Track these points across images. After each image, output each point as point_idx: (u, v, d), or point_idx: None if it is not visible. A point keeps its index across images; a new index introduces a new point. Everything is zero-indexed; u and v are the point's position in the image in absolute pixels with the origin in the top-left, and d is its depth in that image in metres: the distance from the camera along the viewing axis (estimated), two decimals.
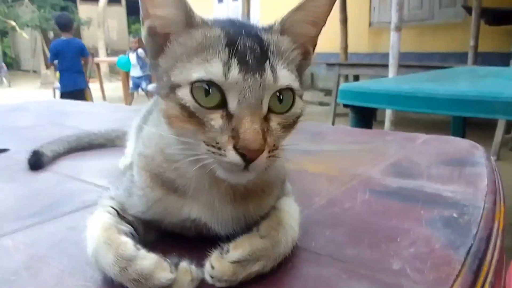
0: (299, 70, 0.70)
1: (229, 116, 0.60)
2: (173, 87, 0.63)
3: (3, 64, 17.06)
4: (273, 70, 0.61)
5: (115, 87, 12.75)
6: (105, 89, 11.30)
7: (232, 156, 0.59)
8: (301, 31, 0.68)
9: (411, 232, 0.78)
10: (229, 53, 0.60)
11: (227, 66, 0.59)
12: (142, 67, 9.31)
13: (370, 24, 10.55)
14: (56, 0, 19.42)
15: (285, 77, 0.62)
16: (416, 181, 1.06)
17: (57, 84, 8.64)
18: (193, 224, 0.72)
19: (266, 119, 0.62)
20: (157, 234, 0.77)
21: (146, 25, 0.67)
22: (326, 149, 1.44)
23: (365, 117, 3.01)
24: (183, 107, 0.61)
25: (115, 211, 0.75)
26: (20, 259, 0.75)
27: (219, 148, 0.60)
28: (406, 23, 7.44)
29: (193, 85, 0.60)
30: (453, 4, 9.13)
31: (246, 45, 0.61)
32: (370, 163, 1.22)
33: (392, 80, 4.28)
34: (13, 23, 19.12)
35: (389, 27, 5.51)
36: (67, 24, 6.62)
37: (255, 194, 0.73)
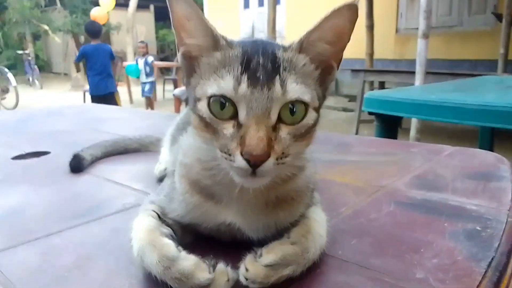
0: (322, 84, 0.74)
1: (239, 126, 0.66)
2: (196, 101, 0.70)
3: (36, 67, 17.67)
4: (283, 84, 0.66)
5: None
6: (133, 92, 11.60)
7: (239, 161, 0.65)
8: (319, 50, 0.72)
9: (434, 244, 0.82)
10: (242, 70, 0.67)
11: (237, 81, 0.66)
12: (148, 74, 9.45)
13: (396, 31, 10.46)
14: (88, 6, 20.00)
15: (295, 90, 0.67)
16: (441, 194, 1.09)
17: (87, 87, 8.94)
18: (228, 228, 0.78)
19: (275, 128, 0.67)
20: (193, 237, 0.84)
21: (180, 50, 0.74)
22: (351, 160, 1.47)
23: (390, 125, 3.00)
24: (201, 118, 0.69)
25: (157, 215, 0.81)
26: (70, 258, 0.82)
27: (230, 154, 0.66)
28: (434, 30, 7.36)
29: (210, 99, 0.68)
30: (483, 11, 8.97)
31: (259, 63, 0.67)
32: (395, 175, 1.25)
33: (418, 88, 4.25)
34: (46, 27, 19.83)
35: (416, 34, 5.47)
36: (96, 31, 6.99)
37: (285, 202, 0.78)
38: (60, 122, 2.44)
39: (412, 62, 5.88)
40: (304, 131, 0.70)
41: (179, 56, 0.75)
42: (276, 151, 0.66)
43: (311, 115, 0.70)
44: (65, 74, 20.71)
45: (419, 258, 0.77)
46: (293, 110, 0.68)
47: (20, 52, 18.84)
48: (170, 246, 0.70)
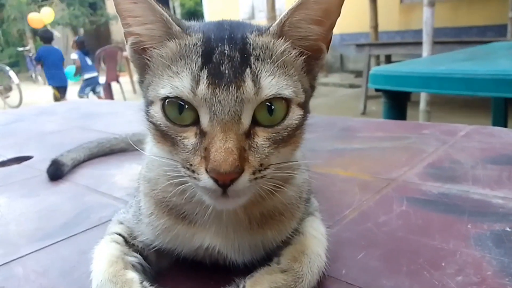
0: (309, 71, 0.60)
1: (202, 134, 0.53)
2: (148, 104, 0.57)
3: (36, 62, 17.57)
4: (255, 79, 0.52)
5: None
6: (135, 82, 11.47)
7: (205, 180, 0.52)
8: (303, 33, 0.58)
9: (457, 254, 0.68)
10: (201, 64, 0.53)
11: (195, 79, 0.52)
12: (86, 69, 8.85)
13: (401, 1, 10.11)
14: None
15: (272, 85, 0.53)
16: (460, 186, 0.94)
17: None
18: (207, 253, 0.65)
19: (249, 134, 0.54)
20: (171, 261, 0.71)
21: (128, 42, 0.60)
22: (356, 148, 1.33)
23: (399, 101, 2.85)
24: (156, 126, 0.56)
25: (123, 239, 0.69)
26: None
27: (193, 171, 0.53)
28: None
29: (164, 101, 0.54)
30: None
31: (224, 53, 0.53)
32: (407, 164, 1.10)
33: (426, 60, 4.05)
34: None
35: (421, 2, 5.23)
36: (48, 37, 8.69)
37: (273, 219, 0.65)
38: (50, 122, 2.34)
39: (419, 32, 5.65)
40: (287, 135, 0.56)
41: (127, 48, 0.61)
42: (251, 163, 0.52)
43: (295, 113, 0.56)
44: None
45: (440, 276, 0.63)
46: (271, 108, 0.54)
47: (20, 49, 18.75)
48: (133, 282, 0.58)
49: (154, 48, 0.58)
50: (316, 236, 0.66)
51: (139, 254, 0.68)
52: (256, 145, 0.54)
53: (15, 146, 1.78)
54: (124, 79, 10.28)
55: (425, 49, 5.26)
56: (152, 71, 0.58)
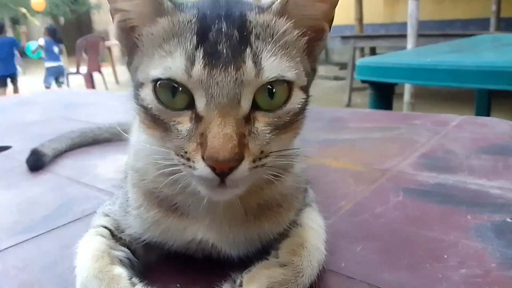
0: (310, 53, 0.57)
1: (198, 118, 0.49)
2: (138, 87, 0.53)
3: (17, 53, 17.14)
4: (256, 60, 0.48)
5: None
6: (118, 73, 11.25)
7: (201, 168, 0.48)
8: (308, 11, 0.55)
9: (459, 246, 0.66)
10: (197, 42, 0.49)
11: (190, 60, 0.48)
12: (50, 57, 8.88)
13: None
14: None
15: (274, 66, 0.49)
16: (456, 176, 0.93)
17: (70, 70, 8.61)
18: (200, 246, 0.61)
19: (248, 119, 0.50)
20: (160, 254, 0.67)
21: (115, 20, 0.55)
22: (347, 138, 1.30)
23: (384, 93, 2.86)
24: (146, 110, 0.51)
25: (109, 232, 0.64)
26: (10, 287, 0.66)
27: (188, 159, 0.49)
28: None
29: (156, 83, 0.50)
30: None
31: (221, 31, 0.49)
32: (400, 155, 1.08)
33: (412, 52, 4.07)
34: (24, 11, 19.10)
35: None
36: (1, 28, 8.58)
37: (270, 210, 0.61)
38: (31, 112, 2.26)
39: (403, 25, 5.67)
40: (289, 120, 0.52)
41: (114, 27, 0.56)
42: (251, 151, 0.48)
43: (298, 97, 0.53)
44: None
45: (443, 268, 0.61)
46: (272, 92, 0.50)
47: None
48: (120, 278, 0.54)
49: (144, 26, 0.54)
50: (314, 228, 0.63)
51: (127, 248, 0.64)
52: (257, 130, 0.50)
53: None
54: (106, 69, 10.08)
55: (410, 42, 5.29)
56: (142, 51, 0.54)
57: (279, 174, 0.55)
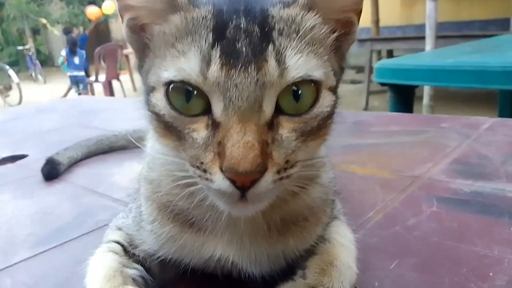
0: (338, 50, 0.52)
1: (215, 125, 0.44)
2: (149, 92, 0.48)
3: (37, 62, 17.49)
4: (279, 58, 0.43)
5: None
6: (135, 80, 11.36)
7: (219, 181, 0.43)
8: (339, 4, 0.50)
9: (505, 263, 0.60)
10: (213, 41, 0.44)
11: (205, 60, 0.43)
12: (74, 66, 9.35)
13: None
14: None
15: (300, 65, 0.44)
16: (494, 183, 0.86)
17: (89, 78, 8.89)
18: (219, 264, 0.56)
19: (272, 125, 0.45)
20: (177, 273, 0.62)
21: (124, 20, 0.51)
22: (372, 143, 1.24)
23: (405, 96, 2.79)
24: (159, 117, 0.47)
25: (122, 248, 0.60)
26: None
27: (205, 171, 0.44)
28: None
29: (168, 87, 0.45)
30: None
31: (239, 28, 0.44)
32: (430, 160, 1.02)
33: (433, 53, 3.97)
34: (44, 21, 19.55)
35: None
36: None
37: (295, 225, 0.56)
38: (48, 120, 2.26)
39: (420, 26, 5.58)
40: (317, 125, 0.47)
41: (123, 29, 0.52)
42: (275, 160, 0.43)
43: (326, 99, 0.47)
44: None
45: None
46: (297, 94, 0.45)
47: (20, 47, 18.66)
48: None
49: (155, 24, 0.49)
50: (344, 243, 0.58)
51: (141, 265, 0.60)
52: (281, 138, 0.45)
53: (11, 145, 1.71)
54: (124, 77, 10.19)
55: (428, 43, 5.19)
56: (153, 52, 0.49)
57: (305, 185, 0.50)
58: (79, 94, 9.07)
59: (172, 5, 0.48)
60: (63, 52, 9.21)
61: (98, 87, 9.36)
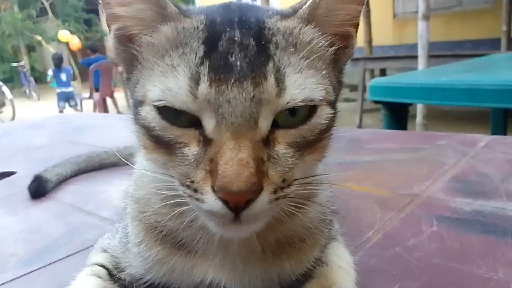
0: (336, 64, 0.50)
1: (207, 141, 0.42)
2: (136, 105, 0.46)
3: (32, 78, 17.48)
4: (279, 77, 0.41)
5: None
6: (130, 98, 11.35)
7: (211, 202, 0.40)
8: (339, 15, 0.48)
9: (511, 286, 0.57)
10: (204, 54, 0.42)
11: (194, 78, 0.41)
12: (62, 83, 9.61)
13: (394, 15, 10.19)
14: (80, 14, 19.78)
15: (300, 86, 0.42)
16: (494, 202, 0.83)
17: (84, 95, 8.93)
18: None
19: (267, 142, 0.42)
20: None
21: (112, 30, 0.49)
22: (368, 160, 1.22)
23: (399, 113, 2.79)
24: (148, 130, 0.44)
25: (106, 272, 0.57)
26: None
27: (195, 190, 0.41)
28: (433, 12, 7.13)
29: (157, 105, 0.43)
30: None
31: (233, 40, 0.42)
32: (428, 178, 1.00)
33: (426, 72, 4.01)
34: (39, 38, 19.62)
35: (414, 17, 5.26)
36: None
37: (292, 247, 0.53)
38: (38, 136, 2.22)
39: (412, 46, 5.68)
40: (314, 138, 0.44)
41: (110, 39, 0.50)
42: (271, 179, 0.41)
43: (324, 111, 0.45)
44: None
45: None
46: (294, 110, 0.43)
47: (15, 64, 18.66)
48: None
49: (144, 35, 0.47)
50: (342, 266, 0.55)
51: None
52: (277, 155, 0.42)
53: None
54: (119, 94, 10.19)
55: (421, 63, 5.28)
56: (141, 64, 0.47)
57: (302, 205, 0.47)
58: (75, 110, 9.21)
59: (162, 14, 0.46)
60: (50, 71, 9.49)
61: (88, 105, 9.43)
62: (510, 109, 3.82)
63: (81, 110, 9.24)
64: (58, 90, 9.16)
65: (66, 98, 9.16)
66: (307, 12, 0.46)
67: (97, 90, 9.03)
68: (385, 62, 7.65)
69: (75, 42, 12.84)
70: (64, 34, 12.46)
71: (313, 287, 0.52)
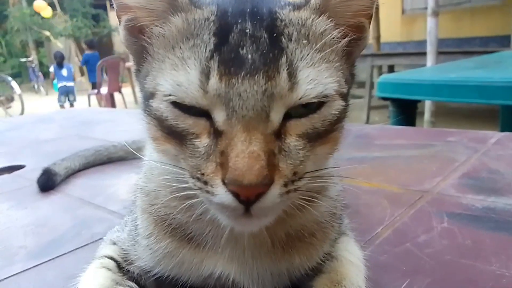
0: (349, 56, 0.49)
1: (217, 134, 0.41)
2: (147, 97, 0.45)
3: (40, 73, 17.60)
4: (292, 71, 0.40)
5: None
6: (137, 93, 11.40)
7: (221, 194, 0.40)
8: (352, 6, 0.47)
9: None
10: (215, 46, 0.41)
11: (204, 72, 0.40)
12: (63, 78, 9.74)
13: (402, 12, 10.11)
14: (88, 9, 19.84)
15: (313, 81, 0.41)
16: (507, 199, 0.82)
17: (91, 91, 8.96)
18: (219, 282, 0.53)
19: (279, 134, 0.42)
20: None
21: (122, 22, 0.48)
22: (377, 156, 1.21)
23: (407, 110, 2.77)
24: (160, 120, 0.44)
25: (116, 264, 0.57)
26: None
27: (205, 183, 0.41)
28: (442, 8, 7.06)
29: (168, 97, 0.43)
30: None
31: (245, 32, 0.41)
32: (438, 174, 0.99)
33: (435, 69, 3.97)
34: (48, 33, 19.72)
35: (422, 14, 5.21)
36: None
37: (301, 241, 0.52)
38: (47, 130, 2.24)
39: (421, 43, 5.63)
40: (325, 129, 0.44)
41: (121, 31, 0.49)
42: (282, 172, 0.40)
43: (336, 102, 0.44)
44: None
45: None
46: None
47: (23, 59, 18.80)
48: None
49: (155, 26, 0.46)
50: (353, 261, 0.54)
51: (135, 282, 0.56)
52: (288, 147, 0.41)
53: (8, 155, 1.68)
54: (126, 89, 10.24)
55: (429, 59, 5.23)
56: (152, 56, 0.46)
57: (312, 198, 0.46)
58: (71, 105, 9.38)
59: (173, 5, 0.45)
60: (51, 68, 9.68)
61: (94, 100, 9.49)
62: None
63: (89, 105, 9.31)
64: (60, 84, 9.36)
65: (67, 92, 9.36)
66: (319, 2, 0.45)
67: (94, 85, 9.26)
68: (393, 58, 7.60)
69: (47, 11, 13.11)
70: (38, 4, 12.75)
71: (323, 281, 0.51)
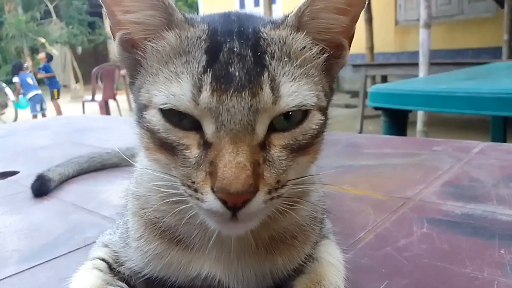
0: (328, 72, 0.52)
1: (206, 145, 0.44)
2: (141, 109, 0.48)
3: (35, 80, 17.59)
4: (274, 86, 0.44)
5: None
6: (132, 100, 11.38)
7: (210, 201, 0.43)
8: (325, 25, 0.50)
9: (495, 285, 0.59)
10: (206, 63, 0.44)
11: (197, 86, 0.43)
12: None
13: (396, 23, 10.23)
14: (83, 16, 19.87)
15: (293, 92, 0.45)
16: (485, 206, 0.86)
17: (86, 98, 8.89)
18: (206, 283, 0.55)
19: (263, 145, 0.45)
20: None
21: (117, 37, 0.51)
22: (364, 164, 1.24)
23: (398, 120, 2.81)
24: (152, 132, 0.47)
25: (107, 265, 0.59)
26: None
27: (196, 190, 0.44)
28: (435, 20, 7.17)
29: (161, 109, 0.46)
30: None
31: (233, 51, 0.45)
32: (421, 182, 1.02)
33: (427, 79, 4.03)
34: (43, 40, 19.72)
35: (416, 25, 5.29)
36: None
37: (284, 243, 0.55)
38: (41, 137, 2.25)
39: (414, 54, 5.71)
40: (306, 143, 0.47)
41: (115, 46, 0.52)
42: (267, 181, 0.44)
43: (315, 117, 0.48)
44: (65, 85, 20.53)
45: None
46: (288, 115, 0.46)
47: None
48: None
49: (149, 41, 0.49)
50: (333, 263, 0.57)
51: (125, 283, 0.58)
52: (272, 158, 0.45)
53: (2, 161, 1.69)
54: (121, 97, 10.23)
55: (422, 70, 5.29)
56: (145, 70, 0.49)
57: (294, 203, 0.49)
58: (43, 115, 9.07)
59: (168, 21, 0.48)
60: (16, 79, 9.30)
61: (94, 107, 9.37)
62: (509, 117, 3.85)
63: (83, 112, 9.25)
64: (31, 94, 9.06)
65: (40, 100, 9.10)
66: (294, 20, 0.49)
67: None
68: (387, 69, 7.67)
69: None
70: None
71: (303, 281, 0.54)
